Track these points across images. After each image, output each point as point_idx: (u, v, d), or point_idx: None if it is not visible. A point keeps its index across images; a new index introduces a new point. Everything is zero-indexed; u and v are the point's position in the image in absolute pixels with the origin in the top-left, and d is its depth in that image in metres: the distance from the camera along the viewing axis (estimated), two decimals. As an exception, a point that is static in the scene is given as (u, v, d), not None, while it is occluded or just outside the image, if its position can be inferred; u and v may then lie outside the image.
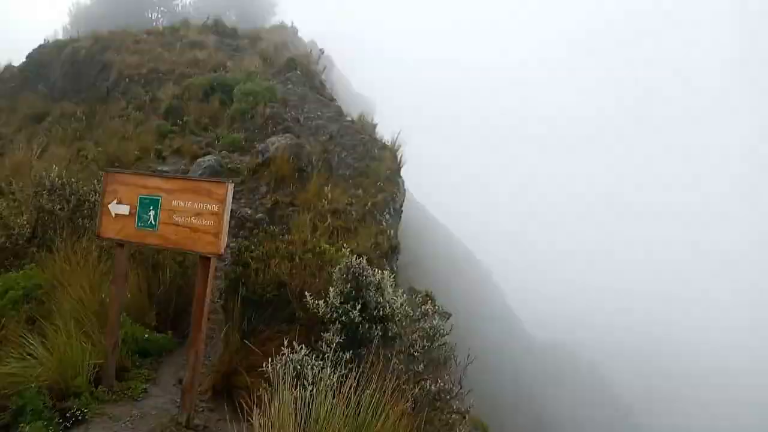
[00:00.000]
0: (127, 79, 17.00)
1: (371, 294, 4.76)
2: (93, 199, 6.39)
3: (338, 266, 4.95)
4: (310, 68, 16.68)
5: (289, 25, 30.17)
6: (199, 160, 9.40)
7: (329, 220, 7.46)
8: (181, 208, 4.14)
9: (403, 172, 10.22)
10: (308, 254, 5.56)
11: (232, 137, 10.60)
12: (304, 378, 3.58)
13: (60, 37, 26.70)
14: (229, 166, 9.62)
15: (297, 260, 5.46)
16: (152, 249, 5.60)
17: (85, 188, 6.62)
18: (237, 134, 10.86)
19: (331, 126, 11.60)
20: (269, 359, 3.73)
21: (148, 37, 21.43)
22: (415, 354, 4.91)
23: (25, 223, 6.12)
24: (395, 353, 4.80)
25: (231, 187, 4.08)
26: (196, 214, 4.09)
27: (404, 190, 10.61)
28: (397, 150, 10.34)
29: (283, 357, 3.77)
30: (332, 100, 14.71)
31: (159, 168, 9.79)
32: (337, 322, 4.61)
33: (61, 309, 4.95)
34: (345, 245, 5.82)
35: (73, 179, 6.66)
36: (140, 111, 13.46)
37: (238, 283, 5.25)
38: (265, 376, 3.67)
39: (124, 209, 4.37)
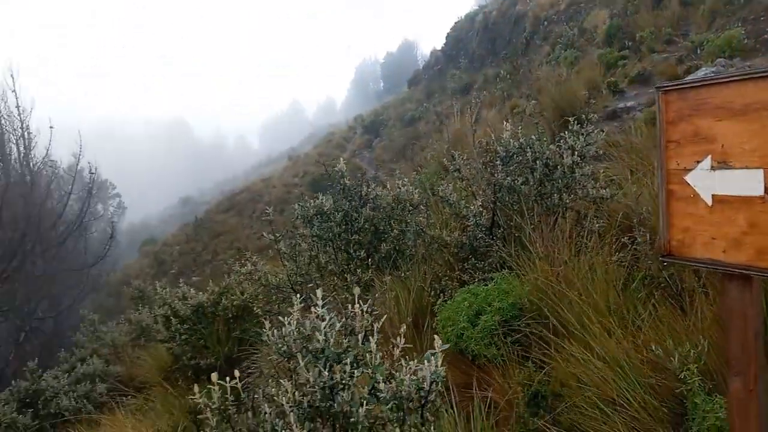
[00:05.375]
0: (545, 23, 14.98)
1: None
2: (569, 162, 4.02)
3: None
4: None
5: None
6: (689, 77, 6.02)
7: None
8: None
9: None
10: None
11: (726, 36, 6.71)
12: None
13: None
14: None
15: None
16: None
17: (547, 148, 4.33)
18: (731, 30, 6.89)
19: None
20: None
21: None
22: None
23: (480, 209, 4.27)
24: None
25: None
26: None
27: None
28: None
29: None
30: None
31: (621, 105, 6.92)
32: None
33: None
34: None
35: (530, 136, 4.47)
36: (570, 48, 10.93)
37: None
38: None
39: (742, 181, 1.60)
